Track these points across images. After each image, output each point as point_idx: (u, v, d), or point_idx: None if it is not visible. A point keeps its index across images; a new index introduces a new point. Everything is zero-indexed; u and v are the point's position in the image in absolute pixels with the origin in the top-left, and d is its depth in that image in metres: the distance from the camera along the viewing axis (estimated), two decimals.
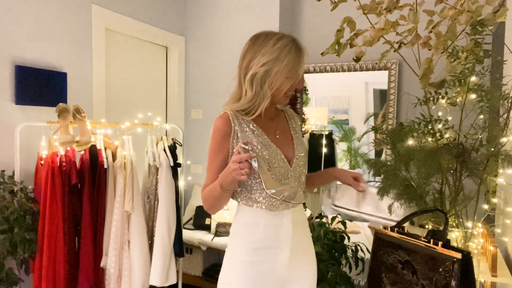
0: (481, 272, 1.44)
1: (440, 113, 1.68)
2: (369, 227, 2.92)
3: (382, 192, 1.69)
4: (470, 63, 1.51)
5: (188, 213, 3.25)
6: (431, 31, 1.66)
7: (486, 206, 1.60)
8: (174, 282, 2.30)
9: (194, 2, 3.46)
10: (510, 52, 1.54)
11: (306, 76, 3.25)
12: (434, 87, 1.65)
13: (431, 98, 1.66)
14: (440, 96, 1.65)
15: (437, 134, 1.61)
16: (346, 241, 2.51)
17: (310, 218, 3.09)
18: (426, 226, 1.72)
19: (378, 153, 3.23)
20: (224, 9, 3.33)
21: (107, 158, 2.09)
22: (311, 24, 3.23)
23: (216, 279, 1.38)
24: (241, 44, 1.33)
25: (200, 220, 3.10)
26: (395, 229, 1.43)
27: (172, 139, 2.44)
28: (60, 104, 2.03)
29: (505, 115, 1.50)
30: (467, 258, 1.20)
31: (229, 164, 1.18)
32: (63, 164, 1.94)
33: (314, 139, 3.48)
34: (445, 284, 1.20)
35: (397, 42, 1.79)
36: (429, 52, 1.64)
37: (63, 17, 2.40)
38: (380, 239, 1.49)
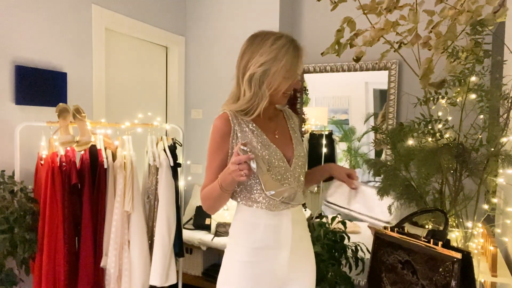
0: (481, 272, 1.44)
1: (440, 113, 1.68)
2: (369, 227, 2.92)
3: (382, 192, 1.69)
4: (470, 63, 1.51)
5: (188, 213, 3.25)
6: (431, 31, 1.66)
7: (486, 206, 1.60)
8: (174, 282, 2.30)
9: (194, 2, 3.46)
10: (510, 52, 1.54)
11: (306, 76, 3.25)
12: (434, 87, 1.64)
13: (431, 98, 1.66)
14: (440, 96, 1.65)
15: (437, 134, 1.61)
16: (346, 241, 2.52)
17: (310, 218, 3.10)
18: (426, 226, 1.72)
19: (378, 153, 3.23)
20: (224, 9, 3.33)
21: (107, 158, 2.09)
22: (311, 24, 3.23)
23: (216, 279, 1.38)
24: (241, 44, 1.33)
25: (200, 220, 3.10)
26: (395, 229, 1.43)
27: (172, 139, 2.44)
28: (60, 104, 2.03)
29: (505, 115, 1.50)
30: (467, 258, 1.20)
31: (229, 165, 1.18)
32: (63, 164, 1.94)
33: (314, 139, 3.48)
34: (445, 284, 1.20)
35: (397, 42, 1.79)
36: (429, 52, 1.64)
37: (63, 17, 2.40)
38: (380, 239, 1.49)
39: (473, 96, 1.53)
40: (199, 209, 3.15)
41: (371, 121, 3.38)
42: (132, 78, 3.08)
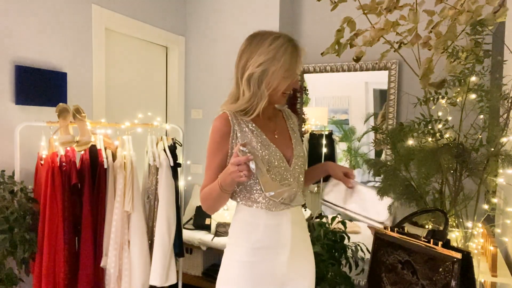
0: (481, 272, 1.44)
1: (440, 113, 1.68)
2: (369, 227, 2.92)
3: (382, 192, 1.69)
4: (470, 63, 1.51)
5: (188, 213, 3.25)
6: (431, 31, 1.66)
7: (486, 206, 1.60)
8: (174, 282, 2.30)
9: (194, 2, 3.46)
10: (510, 52, 1.54)
11: (306, 76, 3.25)
12: (434, 87, 1.64)
13: (431, 98, 1.66)
14: (440, 96, 1.65)
15: (437, 134, 1.61)
16: (346, 241, 2.52)
17: (310, 218, 3.10)
18: (426, 226, 1.72)
19: (378, 153, 3.23)
20: (224, 9, 3.33)
21: (107, 158, 2.09)
22: (311, 24, 3.23)
23: (216, 279, 1.38)
24: (241, 44, 1.33)
25: (200, 220, 3.10)
26: (395, 229, 1.43)
27: (172, 139, 2.44)
28: (60, 104, 2.03)
29: (505, 115, 1.50)
30: (467, 258, 1.20)
31: (228, 166, 1.18)
32: (63, 164, 1.94)
33: (314, 139, 3.48)
34: (445, 284, 1.20)
35: (397, 42, 1.79)
36: (429, 52, 1.64)
37: (63, 17, 2.40)
38: (380, 239, 1.49)
39: (473, 96, 1.53)
40: (199, 209, 3.15)
41: (371, 121, 3.38)
42: (132, 78, 3.08)
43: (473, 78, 1.52)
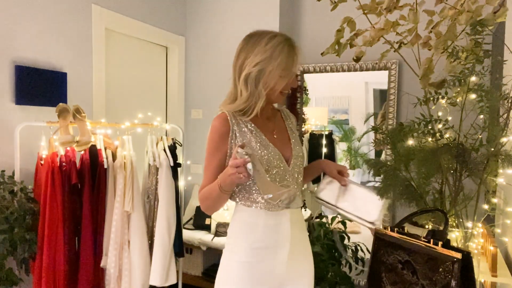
0: (481, 272, 1.44)
1: (440, 113, 1.68)
2: (369, 227, 2.92)
3: (382, 192, 1.69)
4: (470, 63, 1.51)
5: (188, 213, 3.25)
6: (431, 31, 1.66)
7: (486, 206, 1.60)
8: (174, 282, 2.30)
9: (194, 2, 3.46)
10: (510, 52, 1.54)
11: (306, 76, 3.25)
12: (434, 87, 1.64)
13: (431, 98, 1.66)
14: (440, 96, 1.65)
15: (437, 134, 1.61)
16: (346, 241, 2.52)
17: (310, 218, 3.10)
18: (426, 226, 1.72)
19: (378, 153, 3.23)
20: (224, 9, 3.33)
21: (107, 158, 2.09)
22: (311, 24, 3.23)
23: None
24: None
25: (200, 220, 3.10)
26: (395, 229, 1.43)
27: (172, 139, 2.44)
28: (60, 104, 2.03)
29: (505, 115, 1.50)
30: (467, 258, 1.20)
31: (227, 168, 1.18)
32: (63, 164, 1.94)
33: (314, 139, 3.48)
34: (445, 284, 1.20)
35: (397, 42, 1.79)
36: (429, 52, 1.64)
37: (63, 17, 2.40)
38: (380, 239, 1.48)
39: (473, 96, 1.53)
40: (199, 209, 3.15)
41: (371, 121, 3.38)
42: (132, 78, 3.08)
43: (473, 78, 1.52)
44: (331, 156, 3.50)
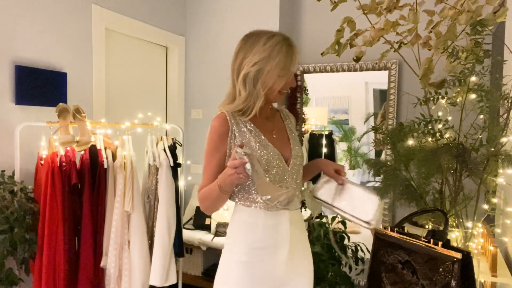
0: (481, 272, 1.44)
1: (440, 113, 1.68)
2: (365, 227, 2.92)
3: (382, 192, 1.69)
4: (470, 63, 1.51)
5: (188, 213, 3.25)
6: (431, 31, 1.66)
7: (486, 206, 1.60)
8: (174, 282, 2.30)
9: (194, 2, 3.46)
10: (510, 52, 1.54)
11: (306, 76, 3.25)
12: (434, 87, 1.64)
13: (431, 98, 1.66)
14: (440, 96, 1.65)
15: (437, 134, 1.62)
16: (346, 241, 2.52)
17: (310, 218, 3.10)
18: (426, 226, 1.72)
19: (378, 153, 3.23)
20: (224, 9, 3.33)
21: (107, 158, 2.09)
22: (311, 24, 3.23)
23: None
24: None
25: (200, 220, 3.10)
26: (395, 229, 1.43)
27: (172, 139, 2.44)
28: (60, 104, 2.03)
29: (505, 115, 1.50)
30: (467, 258, 1.20)
31: (227, 168, 1.18)
32: (63, 164, 1.94)
33: (314, 139, 3.48)
34: (445, 284, 1.20)
35: (397, 42, 1.79)
36: (429, 52, 1.64)
37: (63, 17, 2.40)
38: (380, 239, 1.49)
39: (473, 96, 1.53)
40: (199, 209, 3.15)
41: (371, 121, 3.38)
42: (132, 78, 3.08)
43: (473, 78, 1.52)
44: (331, 156, 3.50)
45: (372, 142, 1.93)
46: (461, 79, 1.55)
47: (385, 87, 2.91)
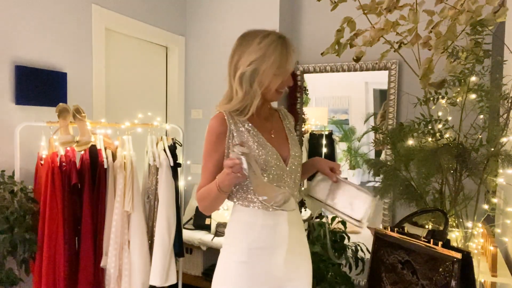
0: (481, 272, 1.44)
1: (440, 113, 1.68)
2: (368, 227, 2.92)
3: (382, 192, 1.69)
4: (470, 63, 1.51)
5: (188, 213, 3.25)
6: (431, 31, 1.66)
7: (486, 206, 1.60)
8: (174, 282, 2.30)
9: (194, 2, 3.46)
10: (510, 52, 1.54)
11: (306, 76, 3.25)
12: (434, 87, 1.64)
13: (431, 98, 1.66)
14: (440, 96, 1.65)
15: (437, 134, 1.62)
16: (346, 241, 2.52)
17: (310, 218, 3.10)
18: (426, 226, 1.72)
19: (378, 153, 3.23)
20: (224, 9, 3.33)
21: (107, 158, 2.09)
22: (311, 24, 3.23)
23: None
24: None
25: (200, 220, 3.10)
26: (395, 229, 1.43)
27: (172, 139, 2.44)
28: (60, 104, 2.03)
29: (505, 115, 1.50)
30: (467, 258, 1.20)
31: (224, 168, 1.18)
32: (63, 164, 1.94)
33: (314, 139, 3.48)
34: (445, 284, 1.20)
35: (397, 42, 1.79)
36: (429, 52, 1.64)
37: (63, 17, 2.40)
38: (380, 239, 1.49)
39: (473, 96, 1.53)
40: (199, 209, 3.15)
41: (371, 121, 3.38)
42: (132, 78, 3.08)
43: (473, 78, 1.52)
44: (331, 156, 3.50)
45: (372, 142, 1.93)
46: (461, 79, 1.55)
47: (385, 87, 2.91)
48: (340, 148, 3.60)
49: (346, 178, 1.47)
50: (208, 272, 3.08)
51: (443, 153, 1.50)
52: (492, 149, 1.47)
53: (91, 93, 2.59)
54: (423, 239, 1.32)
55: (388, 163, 1.77)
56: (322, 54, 1.86)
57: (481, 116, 1.53)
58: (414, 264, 1.32)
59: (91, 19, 2.57)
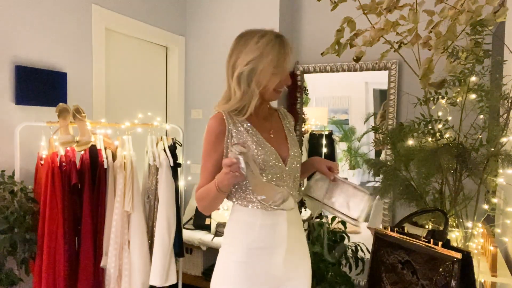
0: (481, 272, 1.44)
1: (440, 113, 1.68)
2: (368, 227, 2.92)
3: (382, 192, 1.69)
4: (470, 63, 1.51)
5: (188, 213, 3.25)
6: (431, 31, 1.66)
7: (486, 206, 1.60)
8: (174, 282, 2.30)
9: (194, 2, 3.46)
10: (510, 52, 1.54)
11: (306, 76, 3.25)
12: (434, 87, 1.64)
13: (431, 98, 1.66)
14: (440, 96, 1.65)
15: (437, 134, 1.62)
16: (346, 241, 2.52)
17: (310, 218, 3.10)
18: (426, 226, 1.72)
19: (378, 153, 3.23)
20: (224, 9, 3.33)
21: (107, 158, 2.09)
22: (311, 24, 3.23)
23: None
24: None
25: (200, 220, 3.10)
26: (395, 229, 1.43)
27: (172, 139, 2.44)
28: (60, 104, 2.03)
29: (505, 115, 1.50)
30: (467, 258, 1.20)
31: (223, 168, 1.18)
32: (63, 164, 1.94)
33: (314, 139, 3.48)
34: (445, 284, 1.20)
35: (397, 42, 1.79)
36: (429, 52, 1.64)
37: (63, 17, 2.40)
38: (380, 239, 1.49)
39: (473, 96, 1.53)
40: (198, 209, 3.15)
41: (371, 121, 3.38)
42: (132, 78, 3.08)
43: (473, 78, 1.52)
44: (331, 156, 3.50)
45: (372, 142, 1.93)
46: (461, 79, 1.55)
47: (385, 87, 2.91)
48: (340, 148, 3.60)
49: (346, 178, 1.47)
50: (208, 272, 3.08)
51: (443, 153, 1.50)
52: (492, 149, 1.47)
53: (91, 93, 2.59)
54: (423, 239, 1.32)
55: (388, 163, 1.77)
56: (322, 54, 1.86)
57: (481, 116, 1.53)
58: (414, 264, 1.32)
59: (91, 19, 2.57)
